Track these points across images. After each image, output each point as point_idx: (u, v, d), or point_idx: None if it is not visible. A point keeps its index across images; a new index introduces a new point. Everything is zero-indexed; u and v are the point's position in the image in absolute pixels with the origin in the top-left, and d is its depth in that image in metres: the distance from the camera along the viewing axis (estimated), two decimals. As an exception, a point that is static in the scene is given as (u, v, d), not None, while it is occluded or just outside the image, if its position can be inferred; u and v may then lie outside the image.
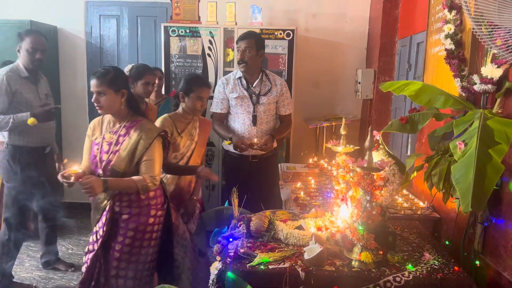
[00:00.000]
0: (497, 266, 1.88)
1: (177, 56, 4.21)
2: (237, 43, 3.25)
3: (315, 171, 3.54)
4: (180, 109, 2.78)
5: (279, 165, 3.76)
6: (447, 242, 2.17)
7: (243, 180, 3.21)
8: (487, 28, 1.50)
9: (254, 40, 3.19)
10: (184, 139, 2.75)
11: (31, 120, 2.96)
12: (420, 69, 3.17)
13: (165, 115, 2.77)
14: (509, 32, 1.33)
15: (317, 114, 4.57)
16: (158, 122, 2.68)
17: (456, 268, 1.83)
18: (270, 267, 1.81)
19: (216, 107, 3.36)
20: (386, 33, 4.16)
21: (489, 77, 1.86)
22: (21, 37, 3.14)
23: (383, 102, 4.20)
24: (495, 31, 1.41)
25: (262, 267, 1.81)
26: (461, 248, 2.07)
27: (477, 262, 1.97)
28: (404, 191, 2.93)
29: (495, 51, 1.49)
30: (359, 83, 4.33)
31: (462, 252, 2.06)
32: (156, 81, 3.75)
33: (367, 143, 1.81)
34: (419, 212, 2.53)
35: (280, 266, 1.82)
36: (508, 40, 1.53)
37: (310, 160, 3.79)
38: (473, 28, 1.53)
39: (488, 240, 1.98)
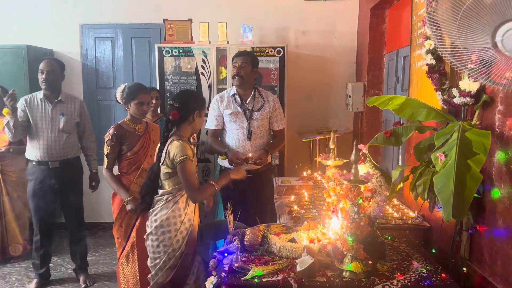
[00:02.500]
0: (483, 272, 1.95)
1: (171, 75, 4.31)
2: (233, 59, 3.39)
3: (309, 184, 3.60)
4: (182, 131, 2.56)
5: (273, 178, 3.83)
6: (433, 250, 2.23)
7: (238, 195, 3.27)
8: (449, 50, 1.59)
9: (250, 58, 3.34)
10: (195, 163, 2.61)
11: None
12: (407, 82, 3.27)
13: (179, 140, 2.46)
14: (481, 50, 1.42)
15: (310, 128, 4.66)
16: (179, 150, 2.41)
17: (443, 275, 1.89)
18: (264, 280, 1.87)
19: (211, 123, 3.45)
20: (374, 48, 4.28)
21: (467, 90, 1.95)
22: (40, 65, 3.53)
23: (373, 115, 4.30)
24: (457, 51, 1.51)
25: (256, 280, 1.87)
26: (449, 256, 2.13)
27: (464, 269, 2.03)
28: (395, 201, 3.01)
29: (462, 70, 1.58)
30: (350, 96, 4.43)
31: (450, 260, 2.12)
32: (153, 101, 3.80)
33: (352, 157, 1.89)
34: (409, 222, 2.60)
35: (273, 278, 1.88)
36: (480, 56, 1.62)
37: (304, 173, 3.86)
38: (437, 48, 1.62)
39: (474, 247, 2.05)
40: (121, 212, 3.05)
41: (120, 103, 3.18)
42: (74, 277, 3.81)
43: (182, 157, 2.38)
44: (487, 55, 1.36)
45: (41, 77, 3.47)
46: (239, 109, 3.37)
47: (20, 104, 3.47)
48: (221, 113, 3.41)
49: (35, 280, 3.66)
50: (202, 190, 2.50)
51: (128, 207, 2.97)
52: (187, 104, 2.51)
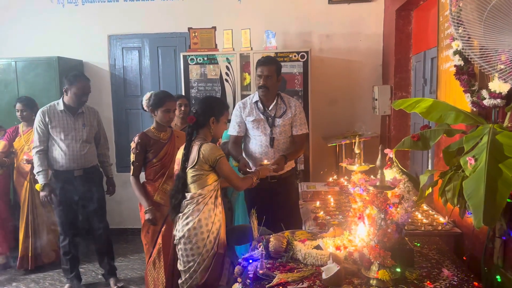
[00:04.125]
0: (519, 281, 1.86)
1: (196, 82, 4.36)
2: (257, 67, 3.34)
3: (335, 189, 3.56)
4: (204, 135, 2.63)
5: (299, 184, 3.80)
6: (464, 258, 2.15)
7: (263, 201, 3.27)
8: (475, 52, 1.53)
9: (275, 67, 3.31)
10: None
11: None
12: (435, 84, 3.19)
13: (210, 143, 2.57)
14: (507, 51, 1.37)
15: (336, 132, 4.61)
16: (214, 150, 2.51)
17: (475, 283, 1.83)
18: (289, 287, 1.85)
19: (232, 129, 3.46)
20: (400, 50, 4.20)
21: (497, 91, 1.88)
22: (70, 81, 3.59)
23: (401, 118, 4.21)
24: (485, 51, 1.45)
25: (281, 287, 1.85)
26: (482, 263, 2.05)
27: (498, 277, 1.94)
28: (425, 207, 2.93)
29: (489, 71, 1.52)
30: (376, 99, 4.36)
31: (483, 267, 2.04)
32: (182, 108, 3.88)
33: (378, 162, 1.85)
34: (439, 228, 2.52)
35: (298, 286, 1.86)
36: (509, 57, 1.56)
37: (330, 179, 3.82)
38: (464, 50, 1.57)
39: (508, 254, 1.96)
40: None
41: (146, 110, 3.23)
42: (104, 282, 3.89)
43: (219, 156, 2.50)
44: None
45: (75, 97, 3.59)
46: (262, 116, 3.36)
47: (39, 116, 3.59)
48: (244, 120, 3.41)
49: (67, 285, 3.77)
50: (244, 180, 2.75)
51: (147, 216, 3.01)
52: (204, 110, 2.59)
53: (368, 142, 4.31)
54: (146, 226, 3.11)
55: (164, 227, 3.06)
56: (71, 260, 3.73)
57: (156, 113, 3.13)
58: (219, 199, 2.62)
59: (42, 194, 3.55)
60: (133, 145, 3.08)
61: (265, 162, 3.21)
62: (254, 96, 3.45)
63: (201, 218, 2.48)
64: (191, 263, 2.49)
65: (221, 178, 2.61)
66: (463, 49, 1.56)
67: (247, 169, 3.13)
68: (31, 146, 4.08)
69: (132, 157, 3.08)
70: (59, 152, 3.57)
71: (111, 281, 3.83)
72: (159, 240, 3.06)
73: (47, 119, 3.56)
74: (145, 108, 3.24)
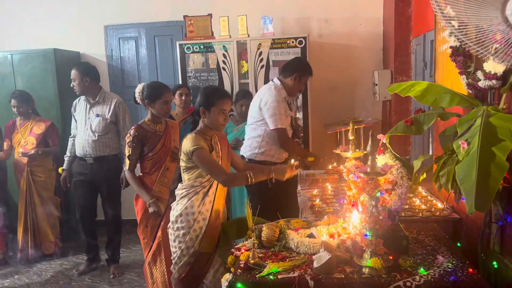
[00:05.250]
0: (515, 267, 1.82)
1: (193, 71, 4.31)
2: (308, 76, 3.44)
3: (334, 177, 3.51)
4: (201, 126, 2.50)
5: (298, 172, 3.76)
6: (458, 244, 2.10)
7: (261, 190, 3.24)
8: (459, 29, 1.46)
9: None
10: (214, 157, 2.50)
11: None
12: (434, 67, 3.11)
13: (192, 133, 2.46)
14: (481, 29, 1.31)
15: (336, 119, 4.55)
16: (190, 141, 2.39)
17: (470, 270, 1.78)
18: (280, 276, 1.82)
19: (285, 122, 3.31)
20: (400, 33, 4.10)
21: (492, 72, 1.81)
22: None
23: (402, 103, 4.13)
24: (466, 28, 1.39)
25: (271, 277, 1.82)
26: (479, 250, 2.00)
27: (495, 263, 1.90)
28: (423, 193, 2.88)
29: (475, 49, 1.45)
30: (376, 84, 4.28)
31: (480, 254, 1.99)
32: (183, 97, 3.86)
33: (368, 148, 1.80)
34: (437, 214, 2.47)
35: (289, 275, 1.83)
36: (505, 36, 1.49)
37: (330, 166, 3.76)
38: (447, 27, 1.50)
39: (506, 239, 1.91)
40: (145, 213, 3.04)
41: (138, 103, 3.11)
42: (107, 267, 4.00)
43: (193, 147, 2.34)
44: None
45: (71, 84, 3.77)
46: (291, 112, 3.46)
47: (73, 105, 3.91)
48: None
49: (85, 263, 4.02)
50: (234, 176, 2.50)
51: (151, 209, 2.94)
52: (197, 100, 2.49)
53: (369, 128, 4.23)
54: (144, 221, 3.06)
55: (163, 221, 3.01)
56: (88, 243, 3.96)
57: (153, 105, 3.03)
58: (213, 197, 2.47)
59: (61, 177, 3.92)
60: (128, 138, 2.98)
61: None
62: (281, 91, 3.34)
63: (183, 213, 2.42)
64: (174, 255, 2.47)
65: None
66: (447, 29, 1.49)
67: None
68: (27, 139, 4.10)
69: (128, 150, 2.98)
70: (76, 139, 3.84)
71: (111, 268, 3.91)
72: (159, 234, 3.01)
73: (73, 108, 3.89)
74: (138, 100, 3.09)
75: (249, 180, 2.36)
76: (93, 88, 3.75)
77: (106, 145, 3.78)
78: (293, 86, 3.36)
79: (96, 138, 3.73)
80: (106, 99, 3.79)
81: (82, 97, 3.83)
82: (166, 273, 3.00)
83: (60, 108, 4.59)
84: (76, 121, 3.87)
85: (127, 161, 3.02)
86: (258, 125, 3.34)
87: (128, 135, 3.00)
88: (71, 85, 3.73)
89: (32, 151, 4.05)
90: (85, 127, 3.76)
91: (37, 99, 4.29)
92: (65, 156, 3.92)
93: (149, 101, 3.03)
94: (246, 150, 3.43)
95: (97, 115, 3.75)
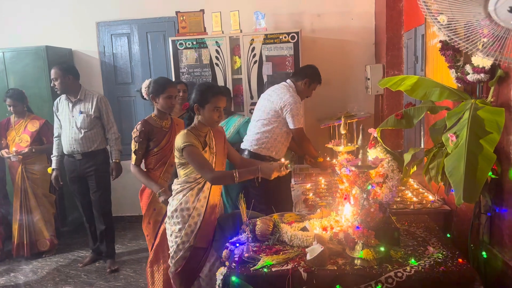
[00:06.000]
0: (504, 256, 1.86)
1: (186, 67, 4.32)
2: (319, 82, 3.57)
3: (327, 171, 3.55)
4: (196, 122, 2.52)
5: (292, 166, 3.79)
6: (448, 235, 2.15)
7: (254, 184, 3.27)
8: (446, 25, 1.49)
9: None
10: (207, 154, 2.52)
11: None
12: (425, 61, 3.14)
13: (185, 130, 2.49)
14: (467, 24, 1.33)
15: (329, 113, 4.57)
16: (181, 138, 2.42)
17: (460, 260, 1.82)
18: (274, 269, 1.85)
19: (303, 122, 3.48)
20: (392, 27, 4.13)
21: (480, 66, 1.85)
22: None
23: (394, 97, 4.16)
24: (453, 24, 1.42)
25: (265, 270, 1.85)
26: (469, 240, 2.05)
27: (484, 253, 1.94)
28: (415, 185, 2.92)
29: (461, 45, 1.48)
30: (369, 79, 4.31)
31: (470, 244, 2.04)
32: (181, 94, 3.84)
33: (359, 142, 1.83)
34: (428, 206, 2.51)
35: (283, 268, 1.86)
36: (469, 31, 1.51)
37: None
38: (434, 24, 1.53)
39: (494, 230, 1.96)
40: (149, 209, 3.05)
41: (145, 98, 3.14)
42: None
43: (184, 144, 2.36)
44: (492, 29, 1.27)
45: (52, 83, 3.83)
46: None
47: (54, 105, 3.92)
48: None
49: (89, 255, 4.13)
50: (220, 175, 2.46)
51: (161, 199, 2.87)
52: (192, 97, 2.50)
53: (362, 122, 4.26)
54: (147, 217, 3.06)
55: (166, 218, 3.02)
56: (91, 234, 4.08)
57: (157, 100, 3.02)
58: (208, 193, 2.49)
59: (51, 177, 3.94)
60: (135, 133, 2.96)
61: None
62: (296, 93, 3.47)
63: (178, 208, 2.45)
64: (171, 249, 2.50)
65: None
66: (433, 23, 1.52)
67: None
68: (22, 137, 4.10)
69: (135, 145, 2.97)
70: (62, 138, 3.86)
71: (108, 263, 3.97)
72: (161, 230, 3.03)
73: (55, 108, 3.91)
74: (145, 96, 3.14)
75: (235, 179, 2.36)
76: (74, 86, 3.80)
77: (93, 140, 3.83)
78: (303, 90, 3.50)
79: (82, 135, 3.78)
80: (87, 96, 3.84)
81: (63, 97, 3.85)
82: (166, 271, 2.99)
83: (52, 106, 4.56)
84: (59, 120, 3.88)
85: (133, 156, 2.99)
86: (271, 121, 3.41)
87: (135, 130, 2.98)
88: (52, 85, 3.80)
89: (26, 149, 4.05)
90: (70, 125, 3.80)
91: (29, 96, 4.27)
92: (52, 156, 3.94)
93: (153, 95, 3.02)
94: (253, 143, 3.46)
95: (81, 112, 3.79)
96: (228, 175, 2.40)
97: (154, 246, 3.02)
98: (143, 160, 3.06)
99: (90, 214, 4.02)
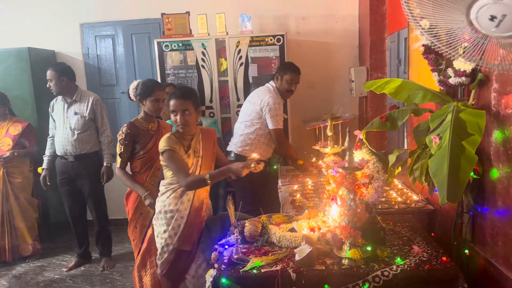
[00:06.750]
0: (485, 254, 1.92)
1: (172, 69, 4.31)
2: (290, 73, 3.54)
3: (313, 172, 3.59)
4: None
5: (279, 168, 3.82)
6: (432, 234, 2.20)
7: (242, 185, 3.30)
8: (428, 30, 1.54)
9: None
10: (191, 157, 2.53)
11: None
12: (408, 64, 3.21)
13: (168, 134, 2.53)
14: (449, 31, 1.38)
15: (315, 115, 4.62)
16: (162, 141, 2.45)
17: (444, 258, 1.87)
18: (263, 270, 1.87)
19: (282, 123, 3.52)
20: (375, 30, 4.19)
21: (462, 70, 1.91)
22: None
23: (378, 99, 4.23)
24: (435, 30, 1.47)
25: (255, 271, 1.87)
26: (452, 238, 2.10)
27: (466, 251, 2.00)
28: (399, 185, 2.98)
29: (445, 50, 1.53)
30: (353, 81, 4.37)
31: (453, 243, 2.09)
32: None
33: (346, 144, 1.87)
34: (412, 206, 2.57)
35: (272, 269, 1.88)
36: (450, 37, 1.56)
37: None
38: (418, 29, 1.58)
39: (476, 228, 2.02)
40: (135, 213, 3.02)
41: (133, 100, 3.10)
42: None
43: (164, 148, 2.41)
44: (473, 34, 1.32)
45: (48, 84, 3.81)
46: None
47: (50, 106, 3.92)
48: None
49: (74, 259, 4.09)
50: (193, 180, 2.40)
51: (147, 202, 2.87)
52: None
53: (347, 124, 4.33)
54: (133, 222, 3.04)
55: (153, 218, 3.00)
56: (78, 239, 4.06)
57: (144, 103, 3.00)
58: (192, 196, 2.50)
59: (40, 177, 3.92)
60: (121, 135, 2.93)
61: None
62: (278, 93, 3.55)
63: (162, 210, 2.47)
64: (158, 251, 2.52)
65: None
66: (418, 28, 1.57)
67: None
68: (3, 140, 4.04)
69: (120, 148, 2.93)
70: (56, 138, 3.86)
71: (102, 262, 4.02)
72: (148, 235, 3.00)
73: (51, 108, 3.91)
74: (132, 97, 3.10)
75: (207, 181, 2.37)
76: (70, 87, 3.80)
77: (86, 142, 3.83)
78: (280, 87, 3.57)
79: (75, 136, 3.78)
80: (83, 97, 3.84)
81: (59, 97, 3.85)
82: (155, 275, 2.97)
83: (36, 108, 4.51)
84: (54, 121, 3.89)
85: (118, 159, 2.96)
86: (253, 123, 3.50)
87: (120, 132, 2.95)
88: (48, 86, 3.77)
89: (8, 153, 3.99)
90: (64, 126, 3.80)
91: (11, 98, 4.21)
92: (44, 156, 3.93)
93: (141, 97, 3.00)
94: (237, 145, 3.53)
95: (75, 113, 3.80)
96: (200, 179, 2.40)
97: (141, 251, 2.96)
98: (128, 163, 3.04)
99: (77, 218, 4.00)
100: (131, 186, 2.98)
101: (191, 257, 2.51)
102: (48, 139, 3.94)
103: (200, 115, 2.63)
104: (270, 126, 3.44)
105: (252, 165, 2.35)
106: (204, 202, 2.59)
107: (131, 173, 3.04)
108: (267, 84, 3.65)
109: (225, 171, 2.42)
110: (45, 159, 3.92)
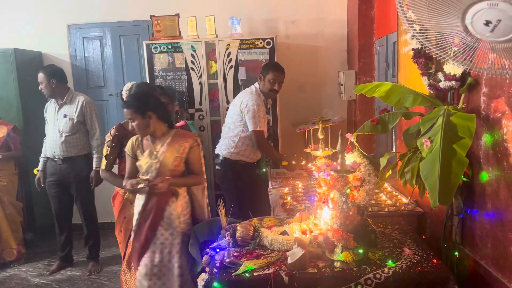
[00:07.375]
0: (475, 256, 1.94)
1: (161, 71, 4.28)
2: (272, 72, 3.50)
3: (303, 175, 3.60)
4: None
5: (268, 171, 3.82)
6: (423, 237, 2.22)
7: (233, 189, 3.29)
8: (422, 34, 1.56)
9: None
10: (145, 158, 2.54)
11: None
12: (397, 68, 3.24)
13: (135, 136, 2.64)
14: (443, 36, 1.40)
15: (304, 118, 4.64)
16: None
17: (435, 260, 1.89)
18: (255, 274, 1.86)
19: (264, 124, 3.48)
20: (364, 34, 4.23)
21: (452, 73, 1.93)
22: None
23: (366, 102, 4.27)
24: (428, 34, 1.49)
25: (247, 275, 1.86)
26: (442, 241, 2.12)
27: (456, 253, 2.02)
28: (389, 188, 3.00)
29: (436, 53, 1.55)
30: (342, 85, 4.40)
31: (443, 245, 2.11)
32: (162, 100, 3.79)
33: (338, 147, 1.88)
34: (402, 208, 2.59)
35: (264, 272, 1.88)
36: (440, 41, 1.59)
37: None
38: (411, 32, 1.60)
39: (466, 231, 2.04)
40: (119, 216, 3.00)
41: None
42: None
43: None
44: (467, 40, 1.34)
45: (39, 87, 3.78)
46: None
47: (45, 107, 3.90)
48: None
49: (56, 263, 4.03)
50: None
51: (128, 185, 2.62)
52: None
53: (336, 127, 4.35)
54: (118, 224, 3.01)
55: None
56: (61, 242, 3.99)
57: None
58: (146, 198, 2.56)
59: (36, 178, 3.90)
60: (108, 137, 2.91)
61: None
62: (260, 95, 3.53)
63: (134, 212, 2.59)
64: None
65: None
66: (410, 31, 1.59)
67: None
68: (-12, 143, 3.96)
69: (106, 150, 2.91)
70: (46, 140, 3.83)
71: (88, 266, 3.97)
72: (132, 239, 2.97)
73: (45, 110, 3.89)
74: (125, 99, 3.02)
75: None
76: (60, 89, 3.75)
77: (74, 145, 3.77)
78: (262, 87, 3.55)
79: (63, 139, 3.73)
80: (73, 99, 3.79)
81: (53, 99, 3.82)
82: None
83: (21, 109, 4.44)
84: (48, 123, 3.86)
85: (104, 161, 2.93)
86: (236, 125, 3.49)
87: (108, 134, 2.93)
88: (39, 88, 3.73)
89: (-8, 156, 3.91)
90: (53, 128, 3.77)
91: (-2, 100, 4.14)
92: (40, 157, 3.89)
93: None
94: (222, 148, 3.53)
95: (65, 116, 3.75)
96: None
97: (126, 256, 2.96)
98: (115, 166, 3.01)
99: (62, 221, 3.95)
100: (114, 182, 2.96)
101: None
102: (44, 140, 3.90)
103: (158, 116, 2.57)
104: (250, 128, 3.42)
105: (140, 185, 2.42)
106: (164, 206, 2.58)
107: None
108: (252, 85, 3.64)
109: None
110: (40, 160, 3.89)
